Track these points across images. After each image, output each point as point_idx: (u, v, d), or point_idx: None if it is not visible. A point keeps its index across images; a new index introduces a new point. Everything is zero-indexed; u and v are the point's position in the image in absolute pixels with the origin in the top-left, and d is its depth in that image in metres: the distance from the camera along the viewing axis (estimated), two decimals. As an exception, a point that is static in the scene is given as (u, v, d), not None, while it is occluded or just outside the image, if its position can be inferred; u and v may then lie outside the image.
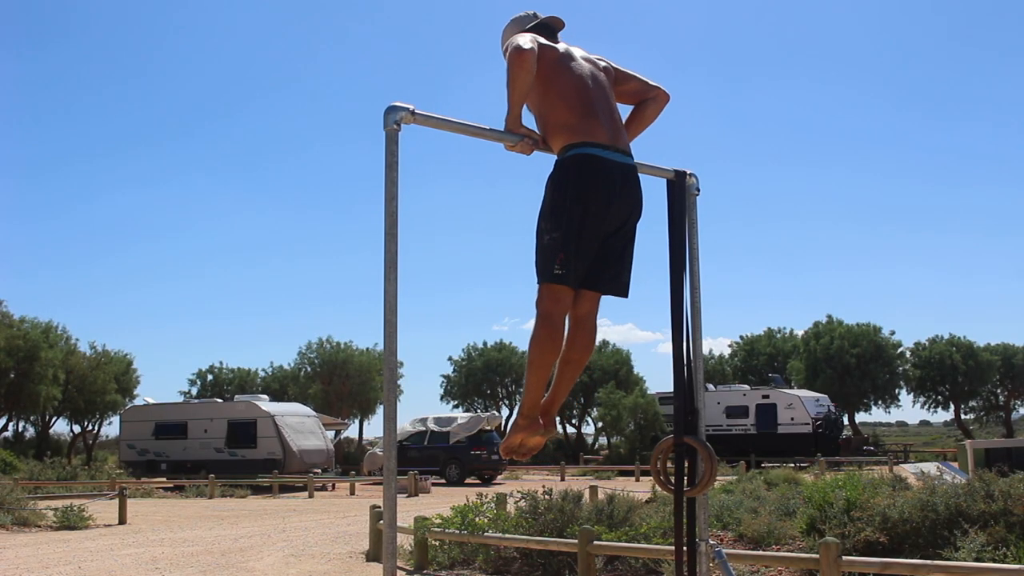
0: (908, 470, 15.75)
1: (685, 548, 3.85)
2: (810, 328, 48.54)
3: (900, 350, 47.47)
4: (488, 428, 28.96)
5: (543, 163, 3.66)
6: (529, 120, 3.63)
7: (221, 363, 51.15)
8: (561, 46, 3.77)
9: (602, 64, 3.83)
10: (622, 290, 3.68)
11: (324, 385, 45.12)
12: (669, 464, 3.94)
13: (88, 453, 45.52)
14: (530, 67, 3.44)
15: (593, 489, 14.99)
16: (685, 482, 3.80)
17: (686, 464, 3.80)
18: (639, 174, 3.72)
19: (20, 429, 43.70)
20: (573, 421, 48.66)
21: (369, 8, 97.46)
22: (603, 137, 3.54)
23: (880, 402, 47.31)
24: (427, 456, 28.09)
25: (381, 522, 3.36)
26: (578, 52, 3.80)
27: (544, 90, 3.58)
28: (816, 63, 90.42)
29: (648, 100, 3.90)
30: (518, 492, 10.88)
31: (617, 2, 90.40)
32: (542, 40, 3.65)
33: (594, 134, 3.53)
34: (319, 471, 27.45)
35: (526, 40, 3.51)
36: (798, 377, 45.62)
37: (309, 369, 46.79)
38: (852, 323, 46.89)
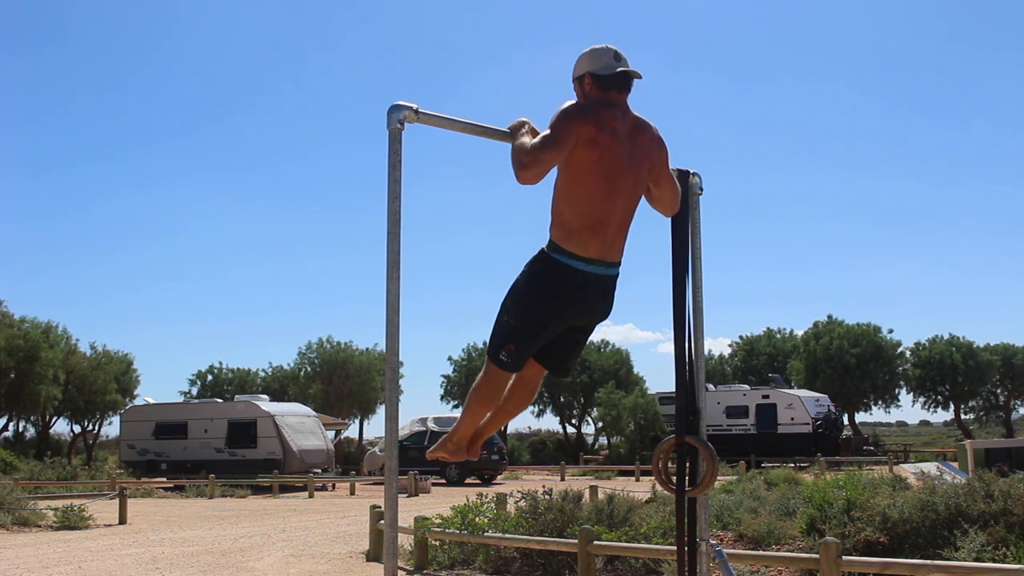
0: (908, 470, 15.75)
1: (686, 548, 3.86)
2: (810, 328, 48.59)
3: (900, 350, 47.44)
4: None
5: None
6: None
7: (221, 363, 51.11)
8: (614, 132, 3.48)
9: (644, 157, 3.58)
10: (564, 373, 3.86)
11: (324, 385, 45.06)
12: (670, 464, 3.95)
13: (88, 453, 45.48)
14: (529, 181, 3.38)
15: (593, 489, 14.98)
16: (686, 482, 3.81)
17: (687, 464, 3.81)
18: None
19: (20, 429, 43.76)
20: (573, 421, 48.64)
21: (371, 7, 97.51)
22: (595, 251, 3.49)
23: (880, 402, 47.31)
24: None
25: (381, 522, 3.37)
26: (628, 135, 3.54)
27: (567, 177, 3.45)
28: (816, 63, 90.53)
29: (657, 206, 3.79)
30: (518, 492, 10.88)
31: (618, 2, 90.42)
32: (593, 127, 3.42)
33: (587, 247, 3.47)
34: (319, 471, 27.44)
35: (549, 154, 3.35)
36: (798, 377, 45.59)
37: (309, 369, 46.73)
38: (852, 323, 46.91)
